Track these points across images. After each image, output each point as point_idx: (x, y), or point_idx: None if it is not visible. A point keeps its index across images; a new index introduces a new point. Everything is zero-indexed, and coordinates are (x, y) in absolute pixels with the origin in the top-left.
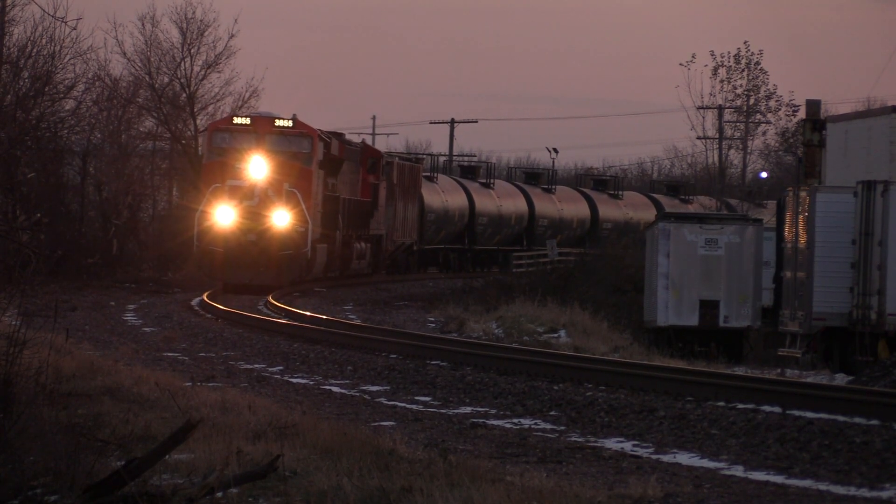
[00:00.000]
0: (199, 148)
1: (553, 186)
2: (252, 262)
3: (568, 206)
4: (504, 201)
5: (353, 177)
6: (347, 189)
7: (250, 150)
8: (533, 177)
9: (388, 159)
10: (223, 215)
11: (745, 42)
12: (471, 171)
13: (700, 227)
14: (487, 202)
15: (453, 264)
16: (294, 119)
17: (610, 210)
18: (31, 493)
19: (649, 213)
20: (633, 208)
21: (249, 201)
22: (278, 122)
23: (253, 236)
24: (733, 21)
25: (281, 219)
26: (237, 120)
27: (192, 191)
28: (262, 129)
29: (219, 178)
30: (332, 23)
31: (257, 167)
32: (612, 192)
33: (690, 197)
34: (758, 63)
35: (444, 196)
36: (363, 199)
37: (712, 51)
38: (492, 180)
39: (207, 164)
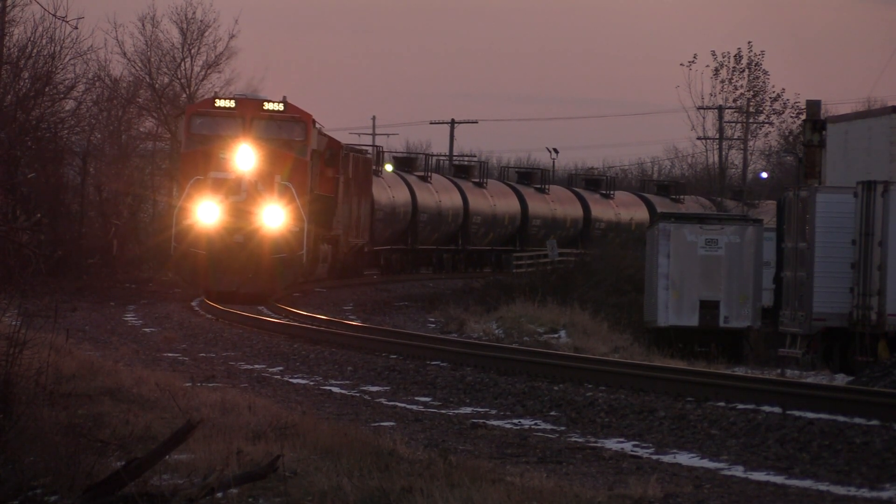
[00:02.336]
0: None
1: (546, 186)
2: (240, 267)
3: (561, 206)
4: (498, 201)
5: (314, 169)
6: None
7: (236, 137)
8: (526, 176)
9: (345, 151)
10: (206, 212)
11: (748, 42)
12: (465, 171)
13: (700, 227)
14: (481, 202)
15: (446, 265)
16: (285, 102)
17: (602, 210)
18: (31, 494)
19: (640, 213)
20: (625, 208)
21: (236, 196)
22: (267, 106)
23: (240, 237)
24: (734, 22)
25: (273, 217)
26: (219, 103)
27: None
28: (249, 112)
29: (200, 169)
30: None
31: (244, 157)
32: (603, 192)
33: (681, 196)
34: (758, 64)
35: (437, 196)
36: (327, 194)
37: (713, 51)
38: (485, 180)
39: (186, 154)
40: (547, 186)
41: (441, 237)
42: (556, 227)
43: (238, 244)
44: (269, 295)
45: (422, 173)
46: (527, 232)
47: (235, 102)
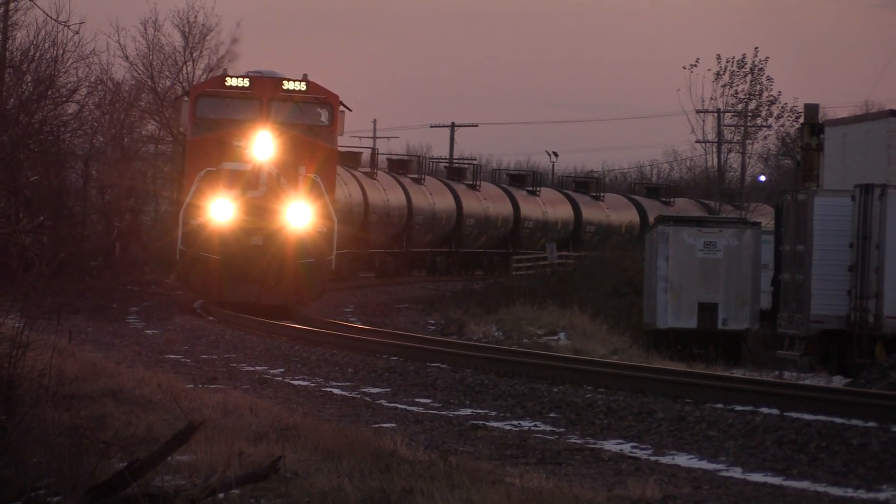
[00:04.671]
0: (181, 119)
1: (537, 188)
2: (259, 274)
3: (552, 208)
4: (490, 203)
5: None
6: None
7: (253, 121)
8: (517, 179)
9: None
10: (219, 210)
11: (755, 48)
12: (457, 173)
13: (699, 230)
14: (474, 204)
15: (440, 267)
16: (307, 80)
17: (592, 212)
18: (35, 495)
19: (630, 215)
20: (615, 210)
21: (254, 191)
22: (287, 85)
23: (259, 239)
24: (733, 26)
25: (298, 215)
26: (231, 81)
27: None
28: (267, 93)
29: (212, 159)
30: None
31: (263, 145)
32: (593, 194)
33: (672, 199)
34: (762, 69)
35: (431, 198)
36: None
37: (718, 55)
38: (478, 182)
39: (194, 142)
40: (538, 189)
41: (435, 239)
42: (547, 229)
43: (257, 247)
44: (296, 305)
45: (416, 175)
46: (519, 234)
47: (250, 81)
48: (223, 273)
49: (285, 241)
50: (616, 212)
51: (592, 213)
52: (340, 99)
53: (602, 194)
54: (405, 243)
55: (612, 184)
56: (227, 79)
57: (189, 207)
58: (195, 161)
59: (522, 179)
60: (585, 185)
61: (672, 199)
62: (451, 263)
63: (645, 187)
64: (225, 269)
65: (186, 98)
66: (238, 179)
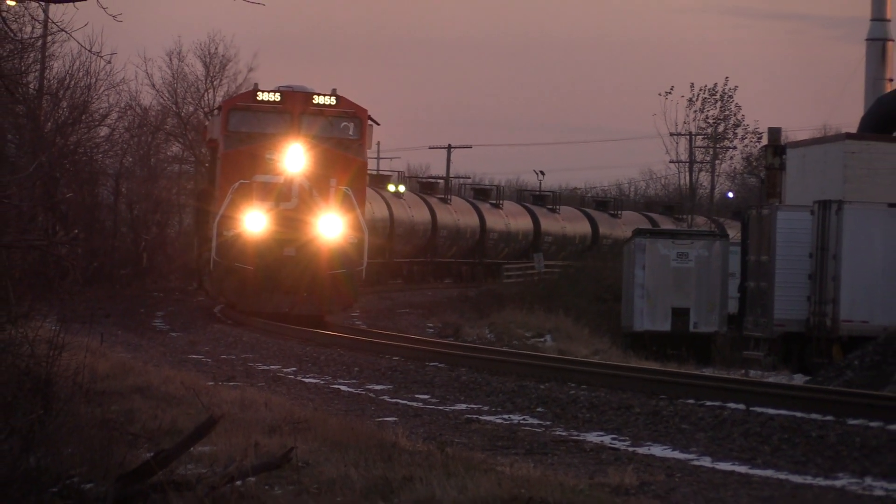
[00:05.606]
0: (210, 132)
1: (500, 202)
2: (292, 284)
3: (514, 220)
4: (460, 216)
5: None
6: None
7: (284, 135)
8: (482, 193)
9: None
10: (253, 222)
11: (725, 77)
12: (429, 188)
13: (672, 241)
14: (447, 217)
15: (416, 276)
16: (336, 94)
17: (550, 223)
18: (69, 482)
19: (583, 226)
20: (569, 221)
21: (286, 203)
22: (317, 99)
23: (292, 250)
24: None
25: (330, 226)
26: (263, 96)
27: (207, 187)
28: (297, 107)
29: (246, 172)
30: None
31: (295, 158)
32: (550, 207)
33: (619, 212)
34: (731, 96)
35: (410, 211)
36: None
37: (692, 83)
38: (449, 196)
39: (227, 155)
40: (501, 202)
41: (413, 250)
42: (510, 240)
43: (290, 258)
44: (326, 315)
45: (442, 195)
46: (484, 245)
47: (281, 96)
48: (256, 283)
49: (317, 251)
50: (570, 223)
51: (549, 224)
52: (369, 113)
53: (558, 207)
54: (430, 254)
55: (566, 198)
56: (258, 93)
57: (223, 219)
58: (228, 173)
59: (486, 194)
60: (542, 198)
61: (619, 212)
62: (426, 272)
63: (595, 201)
64: (258, 279)
65: (218, 112)
66: (271, 191)
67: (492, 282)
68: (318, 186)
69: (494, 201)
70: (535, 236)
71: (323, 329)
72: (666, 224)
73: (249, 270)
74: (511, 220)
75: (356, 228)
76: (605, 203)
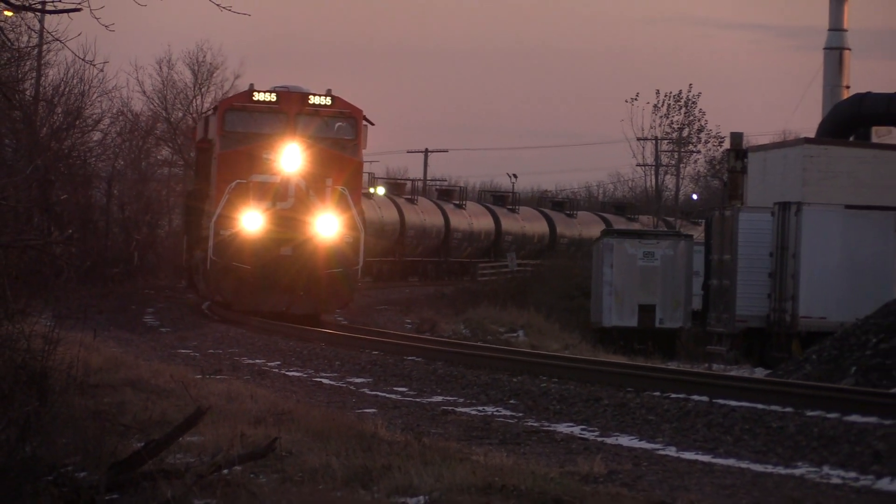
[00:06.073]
0: (200, 133)
1: (464, 202)
2: (289, 283)
3: (477, 219)
4: (427, 216)
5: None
6: None
7: (280, 135)
8: (446, 194)
9: None
10: (250, 221)
11: (689, 84)
12: (397, 189)
13: (639, 241)
14: (414, 217)
15: (385, 274)
16: (331, 95)
17: (510, 223)
18: (64, 470)
19: (541, 226)
20: (528, 221)
21: (283, 203)
22: (313, 99)
23: (288, 249)
24: (671, 65)
25: (326, 226)
26: (259, 96)
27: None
28: (293, 107)
29: (243, 171)
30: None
31: (291, 158)
32: (510, 207)
33: (574, 212)
34: (695, 102)
35: (380, 212)
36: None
37: (658, 90)
38: (416, 197)
39: (224, 155)
40: (464, 203)
41: (383, 251)
42: (473, 239)
43: (286, 257)
44: (323, 314)
45: (409, 196)
46: (449, 244)
47: (277, 96)
48: (254, 282)
49: (314, 251)
50: (529, 223)
51: (510, 223)
52: (364, 113)
53: (517, 207)
54: (398, 254)
55: (525, 199)
56: (254, 93)
57: (220, 218)
58: (224, 173)
59: (450, 194)
60: (502, 199)
61: (575, 212)
62: (395, 271)
63: (551, 202)
64: (255, 278)
65: (213, 112)
66: (267, 191)
67: (457, 280)
68: (314, 186)
69: (458, 202)
70: (497, 235)
71: (314, 327)
72: (619, 223)
73: (247, 270)
74: (474, 219)
75: (352, 228)
76: (561, 204)
